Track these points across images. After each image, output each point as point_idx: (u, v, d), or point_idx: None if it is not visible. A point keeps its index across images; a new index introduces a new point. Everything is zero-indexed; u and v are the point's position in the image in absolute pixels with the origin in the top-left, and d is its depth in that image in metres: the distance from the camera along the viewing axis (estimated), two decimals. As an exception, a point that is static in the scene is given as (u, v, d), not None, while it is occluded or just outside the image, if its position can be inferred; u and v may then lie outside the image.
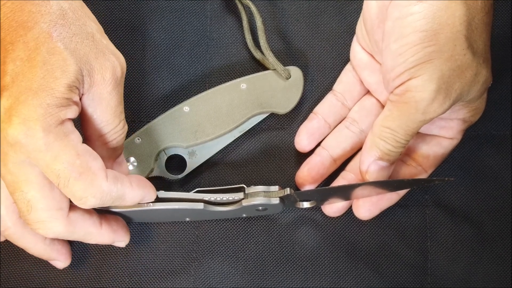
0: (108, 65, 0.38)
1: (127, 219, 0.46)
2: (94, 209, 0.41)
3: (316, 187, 0.49)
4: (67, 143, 0.35)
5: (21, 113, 0.34)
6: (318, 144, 0.49)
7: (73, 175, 0.36)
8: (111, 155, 0.42)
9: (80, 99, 0.37)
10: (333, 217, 0.49)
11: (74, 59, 0.36)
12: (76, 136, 0.36)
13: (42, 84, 0.34)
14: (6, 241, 0.48)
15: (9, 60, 0.35)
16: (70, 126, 0.36)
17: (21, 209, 0.37)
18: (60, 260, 0.44)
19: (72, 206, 0.39)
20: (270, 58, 0.50)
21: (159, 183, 0.49)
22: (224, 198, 0.45)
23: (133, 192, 0.40)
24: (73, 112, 0.36)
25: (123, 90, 0.40)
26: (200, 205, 0.44)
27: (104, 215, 0.43)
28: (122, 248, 0.48)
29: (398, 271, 0.49)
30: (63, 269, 0.46)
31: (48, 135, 0.34)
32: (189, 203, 0.44)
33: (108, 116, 0.39)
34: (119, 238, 0.44)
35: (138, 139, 0.48)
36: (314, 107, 0.50)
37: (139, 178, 0.41)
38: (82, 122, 0.39)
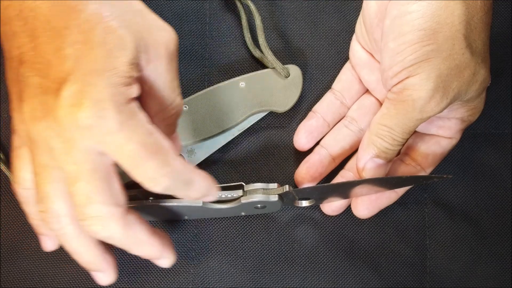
0: (161, 40, 0.37)
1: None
2: None
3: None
4: (138, 122, 0.34)
5: (91, 95, 0.33)
6: (317, 143, 0.49)
7: (146, 154, 0.34)
8: (168, 132, 0.40)
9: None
10: (332, 216, 0.49)
11: (130, 36, 0.35)
12: (144, 115, 0.35)
13: (105, 65, 0.33)
14: (6, 241, 0.48)
15: (67, 45, 0.34)
16: (137, 105, 0.35)
17: (80, 201, 0.35)
18: (107, 273, 0.40)
19: (127, 209, 0.37)
20: (269, 57, 0.50)
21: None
22: (223, 196, 0.45)
23: (202, 181, 0.38)
24: (137, 90, 0.35)
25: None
26: (199, 203, 0.44)
27: (154, 228, 0.40)
28: (121, 247, 0.48)
29: (397, 269, 0.49)
30: (62, 269, 0.46)
31: (120, 114, 0.33)
32: (188, 200, 0.44)
33: (166, 92, 0.38)
34: (166, 254, 0.40)
35: (137, 138, 0.48)
36: (313, 106, 0.50)
37: (205, 173, 0.39)
38: (139, 100, 0.37)
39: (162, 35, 0.37)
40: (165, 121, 0.39)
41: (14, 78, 0.36)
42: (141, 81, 0.36)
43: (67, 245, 0.38)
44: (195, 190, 0.38)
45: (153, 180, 0.35)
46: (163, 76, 0.37)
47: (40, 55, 0.34)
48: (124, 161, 0.34)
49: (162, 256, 0.40)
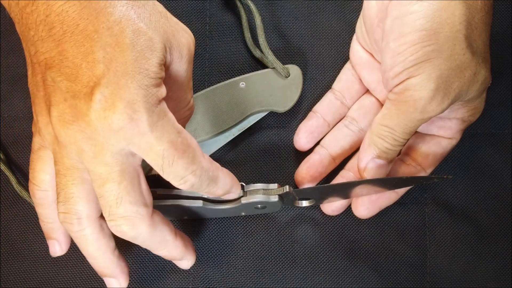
0: (184, 42, 0.38)
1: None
2: None
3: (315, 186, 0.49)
4: (168, 122, 0.35)
5: (124, 98, 0.33)
6: (318, 143, 0.49)
7: (177, 153, 0.35)
8: None
9: None
10: (332, 216, 0.49)
11: (159, 37, 0.35)
12: (172, 114, 0.36)
13: (136, 67, 0.34)
14: (6, 241, 0.48)
15: (98, 48, 0.34)
16: (165, 105, 0.36)
17: (109, 202, 0.36)
18: (120, 279, 0.41)
19: (153, 210, 0.38)
20: (269, 57, 0.50)
21: (158, 181, 0.49)
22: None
23: (226, 178, 0.39)
24: (165, 90, 0.36)
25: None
26: (199, 203, 0.44)
27: (177, 230, 0.41)
28: (120, 247, 0.47)
29: (397, 269, 0.49)
30: (62, 268, 0.46)
31: (152, 115, 0.34)
32: (188, 200, 0.44)
33: (183, 93, 0.39)
34: (188, 255, 0.42)
35: (137, 138, 0.48)
36: (313, 106, 0.50)
37: (227, 170, 0.40)
38: None
39: (185, 37, 0.38)
40: (179, 122, 0.39)
41: (40, 82, 0.36)
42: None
43: (85, 248, 0.39)
44: (219, 188, 0.39)
45: (182, 178, 0.36)
46: (181, 78, 0.38)
47: (69, 59, 0.34)
48: (155, 160, 0.35)
49: (184, 257, 0.42)
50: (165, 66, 0.36)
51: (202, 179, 0.37)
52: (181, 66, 0.38)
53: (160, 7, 0.37)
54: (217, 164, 0.39)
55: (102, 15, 0.34)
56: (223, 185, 0.39)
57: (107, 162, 0.35)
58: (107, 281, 0.41)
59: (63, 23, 0.34)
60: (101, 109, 0.33)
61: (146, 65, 0.34)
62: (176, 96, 0.39)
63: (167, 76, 0.37)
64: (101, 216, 0.38)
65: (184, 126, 0.41)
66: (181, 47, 0.37)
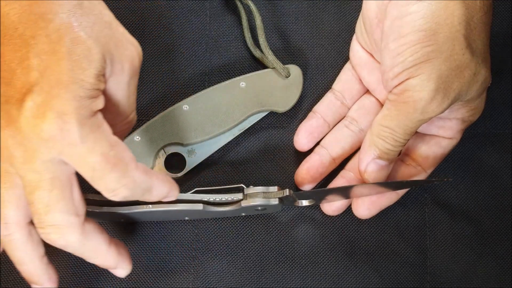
0: (127, 54, 0.37)
1: (127, 220, 0.46)
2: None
3: (315, 186, 0.49)
4: (101, 135, 0.34)
5: (55, 108, 0.33)
6: (318, 143, 0.49)
7: (108, 166, 0.34)
8: None
9: None
10: (333, 216, 0.49)
11: (98, 48, 0.35)
12: (107, 126, 0.35)
13: (71, 76, 0.33)
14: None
15: (33, 54, 0.33)
16: (101, 117, 0.35)
17: (39, 209, 0.35)
18: (48, 286, 0.40)
19: (86, 218, 0.38)
20: (269, 57, 0.50)
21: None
22: (223, 199, 0.45)
23: (161, 186, 0.39)
24: (102, 102, 0.35)
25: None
26: (200, 206, 0.44)
27: (112, 238, 0.41)
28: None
29: (398, 270, 0.49)
30: (62, 268, 0.46)
31: (83, 127, 0.33)
32: (189, 204, 0.44)
33: (123, 107, 0.38)
34: (122, 264, 0.41)
35: (138, 138, 0.48)
36: (314, 106, 0.50)
37: (164, 174, 0.40)
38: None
39: (129, 49, 0.37)
40: (117, 134, 0.38)
41: None
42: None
43: (12, 253, 0.38)
44: (154, 196, 0.39)
45: (113, 190, 0.36)
46: (122, 91, 0.38)
47: (6, 63, 0.34)
48: (86, 172, 0.35)
49: (119, 265, 0.41)
50: (105, 77, 0.36)
51: (134, 191, 0.36)
52: (122, 79, 0.37)
53: (107, 16, 0.37)
54: (153, 174, 0.38)
55: (41, 20, 0.34)
56: (157, 193, 0.39)
57: (37, 169, 0.34)
58: (33, 287, 0.40)
59: (4, 25, 0.34)
60: (31, 117, 0.33)
61: (82, 76, 0.34)
62: (115, 109, 0.38)
63: (106, 88, 0.36)
64: (31, 222, 0.38)
65: (122, 138, 0.41)
66: (123, 59, 0.36)
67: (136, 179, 0.36)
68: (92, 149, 0.34)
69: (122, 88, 0.37)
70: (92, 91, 0.34)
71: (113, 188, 0.35)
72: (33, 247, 0.39)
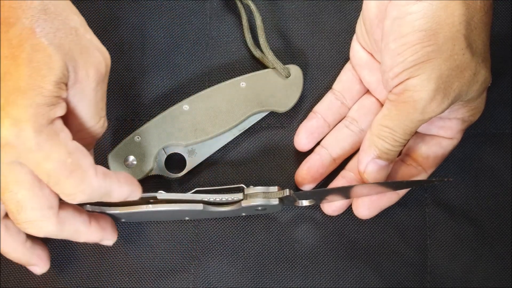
0: (92, 61, 0.37)
1: (128, 220, 0.46)
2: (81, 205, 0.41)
3: (316, 186, 0.49)
4: (58, 142, 0.35)
5: (12, 114, 0.33)
6: (318, 143, 0.49)
7: (64, 173, 0.35)
8: None
9: None
10: (333, 216, 0.49)
11: (60, 55, 0.34)
12: (66, 134, 0.36)
13: (30, 83, 0.33)
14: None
15: None
16: (60, 124, 0.35)
17: (11, 209, 0.36)
18: (40, 265, 0.43)
19: (62, 204, 0.38)
20: (269, 57, 0.50)
21: (158, 181, 0.49)
22: (224, 199, 0.45)
23: (120, 189, 0.39)
24: (62, 110, 0.35)
25: (110, 89, 0.39)
26: (200, 206, 0.44)
27: (93, 214, 0.42)
28: (121, 247, 0.48)
29: (398, 269, 0.49)
30: (62, 268, 0.46)
31: (40, 135, 0.34)
32: (189, 204, 0.44)
33: (90, 113, 0.38)
34: (107, 236, 0.43)
35: (138, 138, 0.48)
36: (314, 106, 0.50)
37: (126, 175, 0.40)
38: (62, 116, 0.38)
39: (95, 56, 0.37)
40: (83, 140, 0.39)
41: None
42: (65, 100, 0.36)
43: None
44: (114, 198, 0.39)
45: (69, 195, 0.36)
46: (88, 98, 0.38)
47: None
48: (43, 177, 0.35)
49: (104, 238, 0.43)
50: (67, 85, 0.36)
51: (92, 196, 0.37)
52: (88, 85, 0.37)
53: (74, 22, 0.37)
54: (113, 177, 0.38)
55: (4, 25, 0.34)
56: (118, 195, 0.39)
57: (1, 172, 0.35)
58: (30, 268, 0.43)
59: None
60: None
61: (41, 83, 0.34)
62: (82, 116, 0.38)
63: (71, 95, 0.36)
64: (7, 215, 0.39)
65: (93, 144, 0.41)
66: (87, 66, 0.36)
67: (94, 185, 0.37)
68: (48, 156, 0.34)
69: (88, 94, 0.37)
70: (51, 98, 0.34)
71: (69, 193, 0.36)
72: (12, 238, 0.40)
